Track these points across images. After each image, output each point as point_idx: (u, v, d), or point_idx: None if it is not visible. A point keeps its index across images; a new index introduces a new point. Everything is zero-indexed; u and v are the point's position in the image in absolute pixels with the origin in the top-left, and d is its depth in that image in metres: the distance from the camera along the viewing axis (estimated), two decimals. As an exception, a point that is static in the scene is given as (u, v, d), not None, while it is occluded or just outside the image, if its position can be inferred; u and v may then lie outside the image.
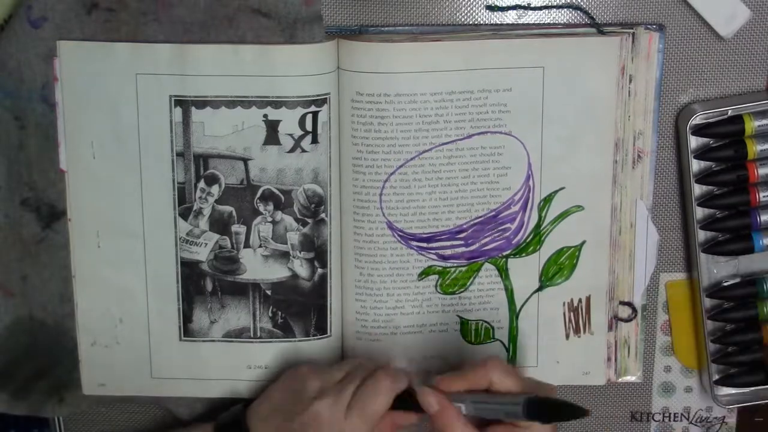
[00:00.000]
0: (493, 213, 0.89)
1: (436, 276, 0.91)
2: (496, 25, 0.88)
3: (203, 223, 0.89)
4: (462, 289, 0.91)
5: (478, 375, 0.80)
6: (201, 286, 0.90)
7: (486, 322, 0.92)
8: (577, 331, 0.92)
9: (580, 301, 0.91)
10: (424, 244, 0.89)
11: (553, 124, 0.87)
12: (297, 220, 0.88)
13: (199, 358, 0.92)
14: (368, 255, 0.89)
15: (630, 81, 0.86)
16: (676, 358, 0.95)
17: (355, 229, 0.89)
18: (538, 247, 0.90)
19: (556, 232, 0.90)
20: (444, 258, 0.90)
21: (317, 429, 0.81)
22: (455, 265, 0.90)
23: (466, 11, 0.88)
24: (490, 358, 0.81)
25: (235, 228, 0.89)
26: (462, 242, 0.90)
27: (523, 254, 0.90)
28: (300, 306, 0.90)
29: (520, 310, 0.92)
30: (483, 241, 0.90)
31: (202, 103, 0.86)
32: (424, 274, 0.90)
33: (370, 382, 0.83)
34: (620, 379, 0.94)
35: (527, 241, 0.90)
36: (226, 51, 0.85)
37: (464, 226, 0.89)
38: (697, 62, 0.89)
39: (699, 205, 0.89)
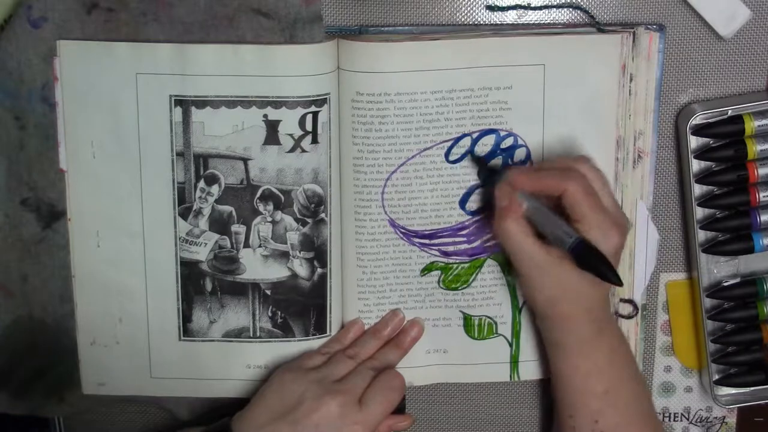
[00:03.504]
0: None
1: (439, 272, 0.91)
2: (496, 25, 0.88)
3: (203, 222, 0.89)
4: (464, 285, 0.91)
5: (555, 181, 0.80)
6: (200, 285, 0.90)
7: (489, 317, 0.92)
8: (579, 326, 0.92)
9: (582, 296, 0.91)
10: (427, 241, 0.89)
11: (554, 121, 0.87)
12: (297, 219, 0.88)
13: (198, 357, 0.92)
14: (371, 253, 0.89)
15: (631, 80, 0.86)
16: (676, 358, 0.95)
17: (357, 228, 0.89)
18: (541, 243, 0.90)
19: (558, 229, 0.90)
20: (446, 254, 0.90)
21: (330, 426, 0.82)
22: (458, 261, 0.90)
23: (466, 11, 0.88)
24: (574, 168, 0.81)
25: (234, 228, 0.89)
26: (464, 239, 0.89)
27: (526, 250, 0.90)
28: (299, 306, 0.90)
29: (522, 305, 0.92)
30: (485, 238, 0.90)
31: (202, 103, 0.86)
32: (427, 270, 0.90)
33: (385, 378, 0.86)
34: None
35: (529, 237, 0.90)
36: (226, 51, 0.85)
37: (466, 223, 0.89)
38: (697, 62, 0.89)
39: (699, 205, 0.90)
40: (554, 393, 0.88)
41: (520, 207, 0.81)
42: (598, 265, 0.78)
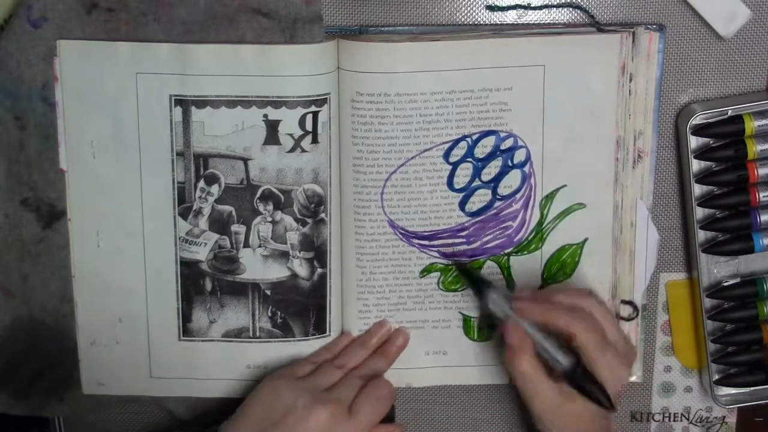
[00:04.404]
0: (495, 211, 0.89)
1: (438, 273, 0.90)
2: (496, 24, 0.88)
3: (203, 222, 0.89)
4: (464, 287, 0.91)
5: (564, 323, 0.81)
6: (200, 285, 0.90)
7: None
8: (580, 328, 0.92)
9: (582, 298, 0.91)
10: (426, 242, 0.89)
11: (554, 122, 0.87)
12: (297, 219, 0.88)
13: (198, 357, 0.92)
14: (370, 254, 0.89)
15: (630, 80, 0.86)
16: (676, 358, 0.95)
17: (357, 229, 0.89)
18: (540, 244, 0.90)
19: (558, 230, 0.90)
20: (446, 256, 0.90)
21: None
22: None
23: (466, 11, 0.88)
24: (580, 309, 0.82)
25: (234, 228, 0.89)
26: (464, 240, 0.89)
27: (525, 252, 0.90)
28: (299, 306, 0.90)
29: (523, 307, 0.92)
30: (484, 239, 0.90)
31: (202, 103, 0.86)
32: (426, 271, 0.90)
33: (375, 387, 0.86)
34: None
35: (529, 239, 0.90)
36: (226, 51, 0.85)
37: (466, 224, 0.89)
38: (697, 62, 0.89)
39: (699, 205, 0.90)
40: None
41: (531, 344, 0.81)
42: (591, 391, 0.81)
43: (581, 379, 0.80)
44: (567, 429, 0.83)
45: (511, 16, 0.88)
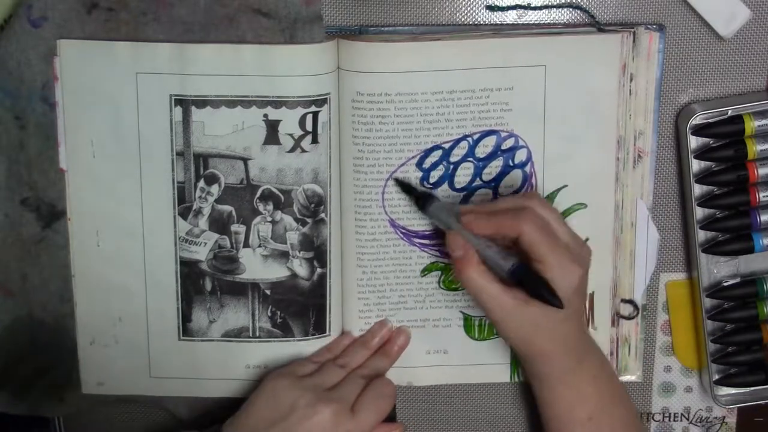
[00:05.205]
0: (496, 211, 0.89)
1: (439, 272, 0.90)
2: (497, 25, 0.88)
3: (203, 222, 0.89)
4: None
5: (510, 224, 0.79)
6: (200, 285, 0.90)
7: (489, 318, 0.92)
8: (580, 326, 0.92)
9: (583, 297, 0.91)
10: (427, 241, 0.89)
11: (555, 122, 0.87)
12: (296, 219, 0.88)
13: (197, 357, 0.92)
14: (370, 253, 0.89)
15: (631, 80, 0.86)
16: (676, 358, 0.95)
17: (357, 228, 0.89)
18: (541, 244, 0.90)
19: (559, 230, 0.90)
20: (447, 255, 0.89)
21: None
22: (458, 261, 0.90)
23: (466, 11, 0.88)
24: (525, 208, 0.80)
25: (234, 228, 0.89)
26: (465, 239, 0.90)
27: (527, 251, 0.90)
28: (299, 306, 0.90)
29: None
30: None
31: (202, 103, 0.86)
32: (427, 270, 0.90)
33: (377, 386, 0.86)
34: (620, 378, 0.94)
35: (530, 238, 0.90)
36: (227, 51, 0.85)
37: (467, 224, 0.89)
38: (697, 62, 0.89)
39: (699, 205, 0.90)
40: (541, 418, 0.88)
41: (476, 253, 0.80)
42: (537, 288, 0.79)
43: (524, 277, 0.79)
44: (528, 332, 0.81)
45: (511, 16, 0.88)
